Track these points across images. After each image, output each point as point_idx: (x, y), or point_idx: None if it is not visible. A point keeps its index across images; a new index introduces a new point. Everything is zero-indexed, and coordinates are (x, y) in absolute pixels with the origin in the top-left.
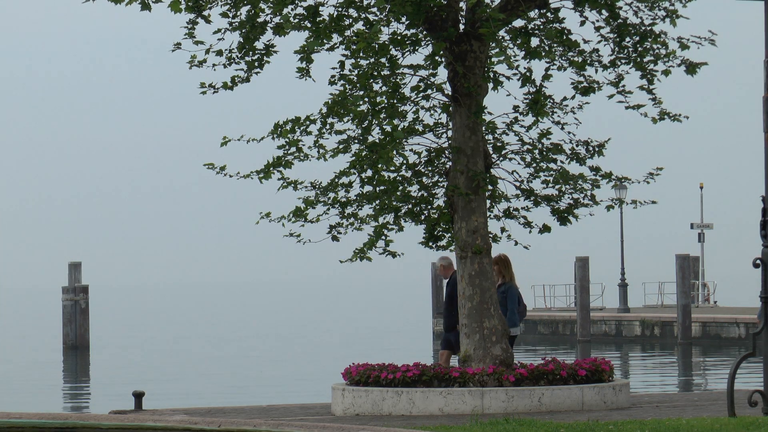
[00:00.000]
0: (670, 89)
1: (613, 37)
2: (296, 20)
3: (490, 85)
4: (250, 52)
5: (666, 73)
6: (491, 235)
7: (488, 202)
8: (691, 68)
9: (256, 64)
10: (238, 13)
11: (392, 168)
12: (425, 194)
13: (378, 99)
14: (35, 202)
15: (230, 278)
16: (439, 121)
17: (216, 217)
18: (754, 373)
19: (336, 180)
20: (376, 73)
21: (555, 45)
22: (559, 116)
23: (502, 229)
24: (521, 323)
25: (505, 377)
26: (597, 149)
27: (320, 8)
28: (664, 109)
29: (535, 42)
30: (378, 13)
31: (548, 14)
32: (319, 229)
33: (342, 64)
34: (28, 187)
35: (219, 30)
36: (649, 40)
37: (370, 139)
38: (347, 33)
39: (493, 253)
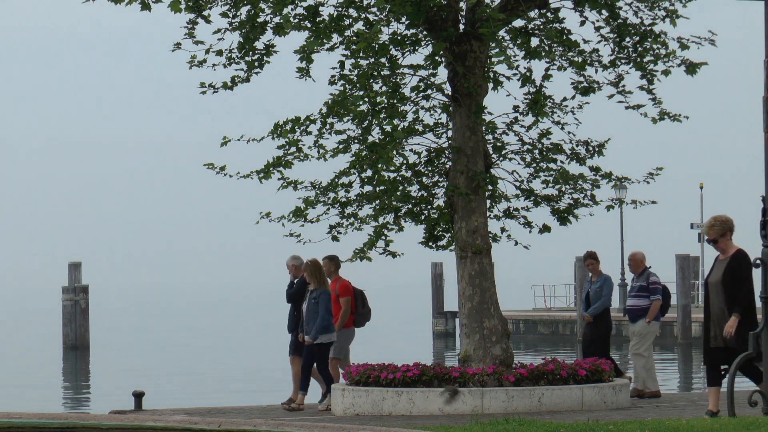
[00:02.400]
0: (670, 89)
1: (613, 37)
2: (296, 20)
3: (490, 85)
4: (250, 52)
5: (666, 73)
6: (491, 235)
7: (488, 202)
8: (691, 68)
9: (256, 64)
10: (238, 13)
11: (392, 168)
12: (425, 194)
13: (378, 99)
14: (35, 202)
15: (230, 278)
16: (439, 121)
17: (216, 217)
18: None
19: (336, 180)
20: (376, 73)
21: (555, 45)
22: (559, 116)
23: (502, 229)
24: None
25: (505, 377)
26: (597, 149)
27: (320, 8)
28: (664, 109)
29: (535, 42)
30: (378, 13)
31: (548, 14)
32: (319, 229)
33: (342, 64)
34: (28, 187)
35: (219, 30)
36: (649, 40)
37: (370, 139)
38: (347, 33)
39: (495, 252)
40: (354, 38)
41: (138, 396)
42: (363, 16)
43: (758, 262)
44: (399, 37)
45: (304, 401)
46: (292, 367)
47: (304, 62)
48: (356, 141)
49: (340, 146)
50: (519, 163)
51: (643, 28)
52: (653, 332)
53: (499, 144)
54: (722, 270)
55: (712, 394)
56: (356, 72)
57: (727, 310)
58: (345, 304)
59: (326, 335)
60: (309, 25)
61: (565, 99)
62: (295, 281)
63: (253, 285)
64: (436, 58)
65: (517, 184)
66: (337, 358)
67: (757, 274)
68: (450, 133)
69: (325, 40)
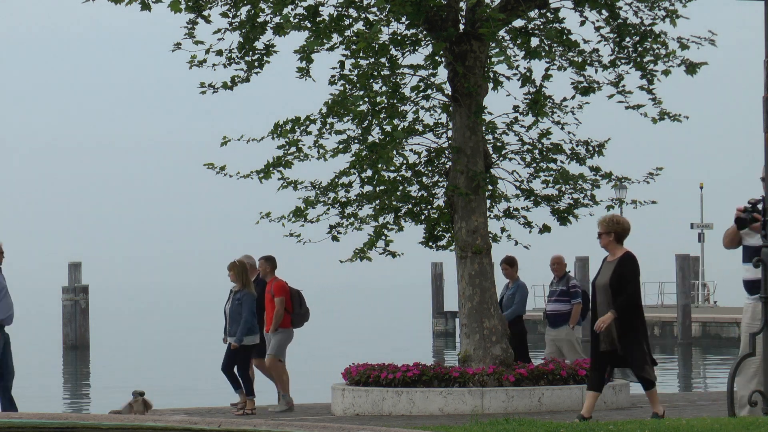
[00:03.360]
0: (670, 89)
1: (613, 37)
2: (296, 20)
3: (490, 85)
4: (250, 52)
5: (666, 73)
6: (491, 235)
7: (488, 202)
8: (691, 68)
9: (256, 64)
10: (238, 13)
11: (392, 168)
12: (425, 194)
13: (378, 99)
14: (35, 202)
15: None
16: (439, 121)
17: (216, 217)
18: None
19: (336, 180)
20: (376, 73)
21: (555, 45)
22: (559, 116)
23: (502, 229)
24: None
25: (505, 377)
26: (597, 149)
27: (320, 8)
28: (664, 109)
29: (535, 42)
30: (378, 13)
31: (548, 14)
32: (319, 229)
33: (342, 64)
34: (29, 187)
35: (219, 30)
36: (649, 40)
37: (370, 139)
38: (347, 33)
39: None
40: (354, 38)
41: (138, 396)
42: (363, 16)
43: (758, 262)
44: (399, 37)
45: (254, 404)
46: (258, 369)
47: (304, 62)
48: (356, 141)
49: (340, 146)
50: (519, 163)
51: (643, 28)
52: (576, 337)
53: (499, 144)
54: (610, 272)
55: (590, 398)
56: (356, 72)
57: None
58: (279, 304)
59: (250, 337)
60: (309, 25)
61: (565, 99)
62: (252, 281)
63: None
64: (436, 58)
65: (517, 184)
66: (279, 359)
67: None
68: (450, 133)
69: (325, 40)
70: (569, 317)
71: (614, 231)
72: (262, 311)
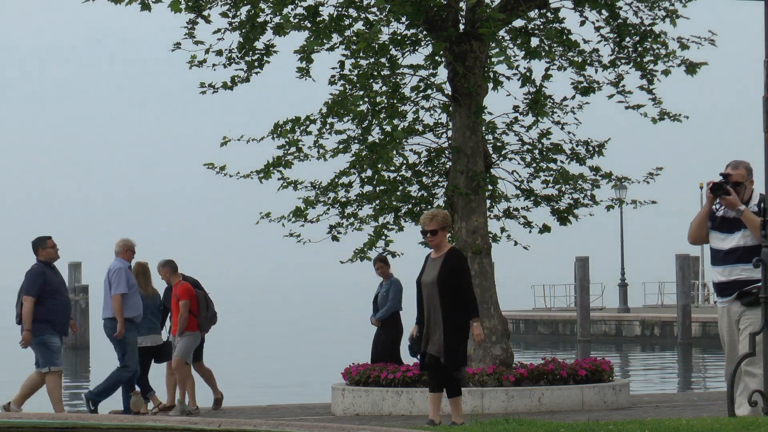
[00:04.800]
0: (670, 89)
1: (613, 37)
2: (296, 20)
3: (490, 85)
4: (250, 52)
5: (666, 73)
6: (491, 235)
7: (488, 202)
8: (691, 68)
9: (256, 64)
10: (238, 13)
11: (392, 168)
12: (425, 194)
13: (378, 99)
14: (35, 202)
15: (230, 278)
16: (439, 121)
17: (216, 217)
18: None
19: (336, 180)
20: (376, 73)
21: (555, 45)
22: (559, 116)
23: (502, 229)
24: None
25: (505, 377)
26: (597, 149)
27: (320, 8)
28: (664, 109)
29: (535, 42)
30: (378, 13)
31: (548, 14)
32: (319, 229)
33: (342, 64)
34: (28, 187)
35: (219, 30)
36: (649, 40)
37: (370, 139)
38: (347, 33)
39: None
40: (354, 38)
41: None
42: (363, 16)
43: (758, 262)
44: (399, 37)
45: (147, 408)
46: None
47: (304, 62)
48: (356, 141)
49: (340, 146)
50: (519, 163)
51: (643, 28)
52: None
53: (499, 144)
54: (437, 269)
55: (433, 400)
56: (356, 72)
57: (441, 311)
58: (183, 307)
59: (148, 337)
60: (309, 25)
61: (565, 99)
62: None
63: (252, 285)
64: (436, 58)
65: (517, 184)
66: (184, 359)
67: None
68: (450, 133)
69: (325, 40)
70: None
71: (447, 226)
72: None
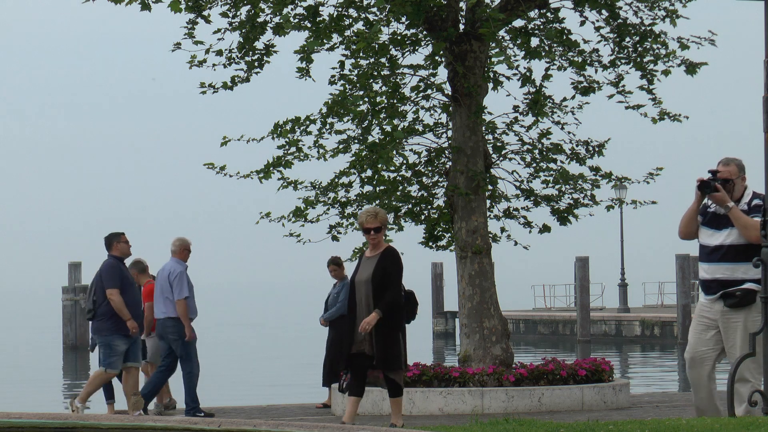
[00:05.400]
0: (670, 89)
1: (613, 37)
2: (296, 20)
3: (490, 85)
4: (250, 52)
5: (666, 73)
6: (491, 235)
7: (488, 202)
8: (691, 68)
9: (256, 64)
10: (238, 13)
11: (392, 168)
12: (425, 194)
13: (378, 99)
14: (35, 202)
15: (230, 278)
16: (439, 121)
17: (216, 217)
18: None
19: (336, 180)
20: (376, 73)
21: (555, 45)
22: (559, 116)
23: (502, 229)
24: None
25: (505, 377)
26: (597, 149)
27: (320, 8)
28: (664, 109)
29: (535, 42)
30: (378, 13)
31: (548, 14)
32: (319, 229)
33: (342, 64)
34: (28, 187)
35: (219, 30)
36: (649, 40)
37: (370, 139)
38: (347, 33)
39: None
40: (354, 38)
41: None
42: (363, 16)
43: (758, 262)
44: (399, 37)
45: (113, 410)
46: (145, 374)
47: (304, 62)
48: (356, 141)
49: (340, 146)
50: (519, 163)
51: (643, 28)
52: None
53: (499, 144)
54: (372, 268)
55: (351, 404)
56: (356, 72)
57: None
58: (148, 309)
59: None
60: (309, 25)
61: (565, 99)
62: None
63: (252, 285)
64: (436, 58)
65: (517, 184)
66: (152, 362)
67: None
68: (450, 133)
69: (325, 40)
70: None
71: (387, 225)
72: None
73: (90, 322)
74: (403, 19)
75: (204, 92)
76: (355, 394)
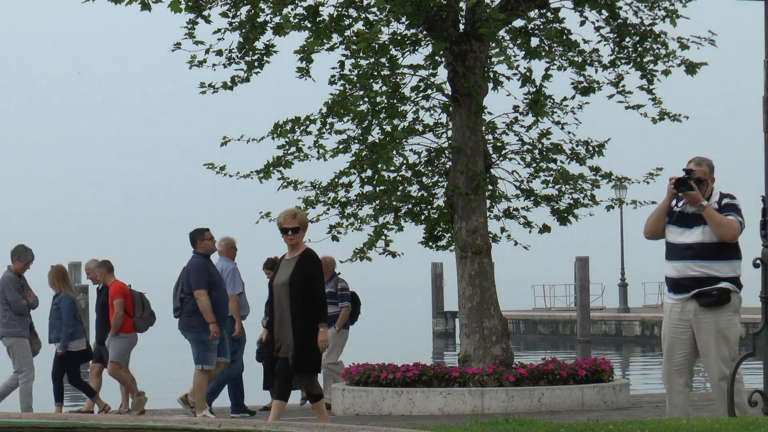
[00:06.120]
0: (670, 89)
1: (613, 37)
2: (296, 20)
3: (490, 85)
4: (250, 52)
5: (666, 73)
6: (491, 235)
7: (488, 202)
8: (691, 68)
9: (256, 64)
10: (238, 13)
11: (392, 168)
12: (425, 194)
13: (378, 99)
14: (35, 202)
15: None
16: (439, 121)
17: (216, 217)
18: (754, 373)
19: (336, 180)
20: (376, 73)
21: (555, 45)
22: (559, 116)
23: (502, 229)
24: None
25: (505, 377)
26: (597, 149)
27: (320, 8)
28: (664, 109)
29: (535, 42)
30: (378, 13)
31: (548, 14)
32: (319, 229)
33: (342, 64)
34: (28, 187)
35: (219, 30)
36: (649, 40)
37: (370, 139)
38: (347, 33)
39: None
40: (354, 38)
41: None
42: (363, 16)
43: (758, 262)
44: (399, 37)
45: (92, 406)
46: (91, 371)
47: (304, 62)
48: (356, 141)
49: (340, 146)
50: (519, 163)
51: (643, 28)
52: (344, 341)
53: (499, 144)
54: (291, 270)
55: (276, 408)
56: (356, 72)
57: (291, 314)
58: (117, 306)
59: (75, 342)
60: (309, 25)
61: (565, 99)
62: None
63: (252, 284)
64: (436, 58)
65: (517, 184)
66: (119, 363)
67: (757, 274)
68: (450, 133)
69: (325, 40)
70: (336, 320)
71: (306, 226)
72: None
73: (178, 320)
74: (403, 19)
75: (204, 92)
76: (279, 397)
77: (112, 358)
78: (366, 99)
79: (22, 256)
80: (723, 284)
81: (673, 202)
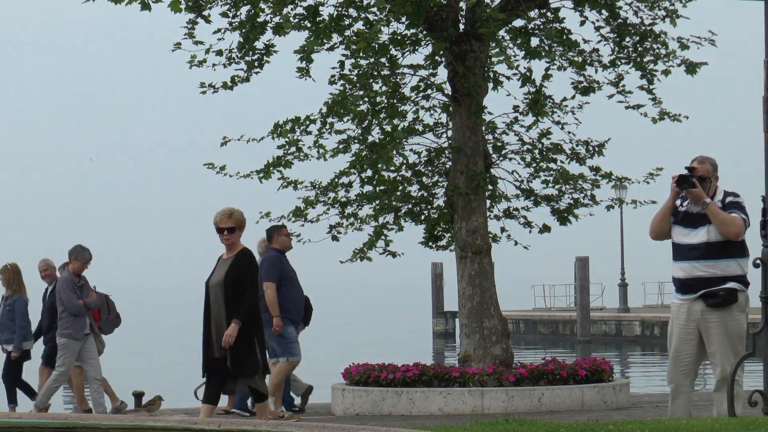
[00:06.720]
0: (670, 89)
1: (613, 37)
2: (296, 20)
3: (490, 85)
4: (250, 52)
5: (666, 73)
6: (491, 235)
7: (488, 202)
8: (691, 68)
9: (256, 64)
10: (238, 13)
11: (392, 168)
12: (425, 194)
13: (378, 99)
14: (35, 202)
15: None
16: (439, 121)
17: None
18: (754, 373)
19: (336, 180)
20: (376, 73)
21: (555, 45)
22: (559, 116)
23: (502, 229)
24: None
25: (505, 377)
26: (597, 149)
27: (320, 8)
28: (664, 109)
29: (535, 42)
30: (378, 13)
31: (548, 14)
32: (319, 229)
33: (342, 64)
34: (28, 187)
35: (219, 30)
36: (649, 40)
37: (370, 139)
38: (347, 33)
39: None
40: (354, 38)
41: (138, 396)
42: (363, 16)
43: (758, 262)
44: (399, 37)
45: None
46: (41, 374)
47: (304, 62)
48: (356, 141)
49: (340, 146)
50: (519, 163)
51: (643, 28)
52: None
53: (499, 144)
54: (225, 270)
55: (205, 412)
56: (356, 72)
57: (227, 316)
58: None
59: (27, 342)
60: (309, 25)
61: (565, 99)
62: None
63: None
64: (436, 58)
65: (517, 184)
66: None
67: (757, 274)
68: (450, 133)
69: (325, 40)
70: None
71: (243, 227)
72: (54, 317)
73: None
74: (403, 19)
75: (204, 92)
76: (209, 401)
77: (79, 362)
78: (366, 99)
79: (80, 255)
80: (730, 284)
81: (678, 202)
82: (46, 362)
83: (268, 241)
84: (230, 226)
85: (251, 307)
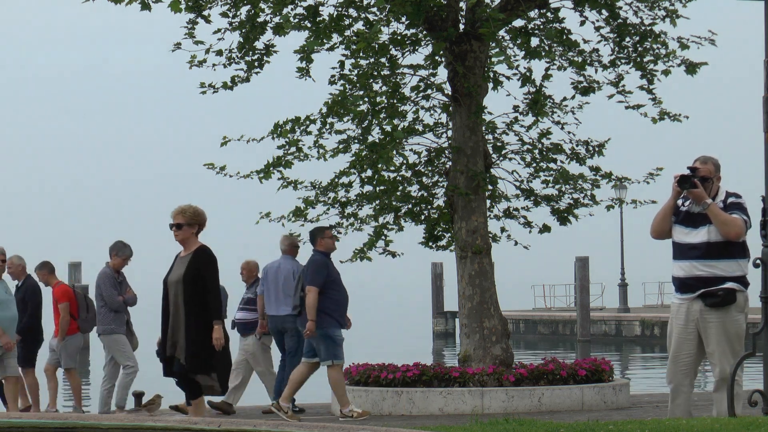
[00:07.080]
0: (670, 89)
1: (613, 37)
2: (296, 20)
3: (490, 85)
4: (250, 52)
5: (666, 73)
6: (491, 235)
7: (488, 202)
8: (691, 68)
9: (256, 64)
10: (238, 13)
11: (392, 168)
12: (425, 194)
13: (378, 99)
14: (35, 202)
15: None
16: (439, 121)
17: (216, 217)
18: (754, 373)
19: (336, 180)
20: (376, 73)
21: (555, 45)
22: (559, 116)
23: (502, 229)
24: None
25: (505, 377)
26: (597, 149)
27: (320, 8)
28: (664, 109)
29: (535, 42)
30: (378, 13)
31: (548, 14)
32: None
33: (342, 64)
34: (28, 187)
35: (219, 30)
36: (649, 40)
37: (370, 139)
38: (347, 33)
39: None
40: (354, 38)
41: (138, 396)
42: (363, 16)
43: (758, 262)
44: (399, 37)
45: None
46: (27, 377)
47: (304, 62)
48: (356, 141)
49: (340, 146)
50: (519, 163)
51: (643, 28)
52: (267, 346)
53: (499, 144)
54: (184, 268)
55: (196, 409)
56: (356, 72)
57: (186, 313)
58: (63, 310)
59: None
60: (309, 25)
61: (565, 99)
62: (19, 284)
63: None
64: (436, 58)
65: (517, 184)
66: (72, 368)
67: (757, 274)
68: (450, 133)
69: (325, 40)
70: (253, 326)
71: (197, 223)
72: (38, 317)
73: (298, 318)
74: (403, 19)
75: (204, 92)
76: (192, 397)
77: (66, 365)
78: (366, 99)
79: (121, 251)
80: (729, 284)
81: (680, 202)
82: (28, 363)
83: (311, 243)
84: (178, 222)
85: (219, 306)
